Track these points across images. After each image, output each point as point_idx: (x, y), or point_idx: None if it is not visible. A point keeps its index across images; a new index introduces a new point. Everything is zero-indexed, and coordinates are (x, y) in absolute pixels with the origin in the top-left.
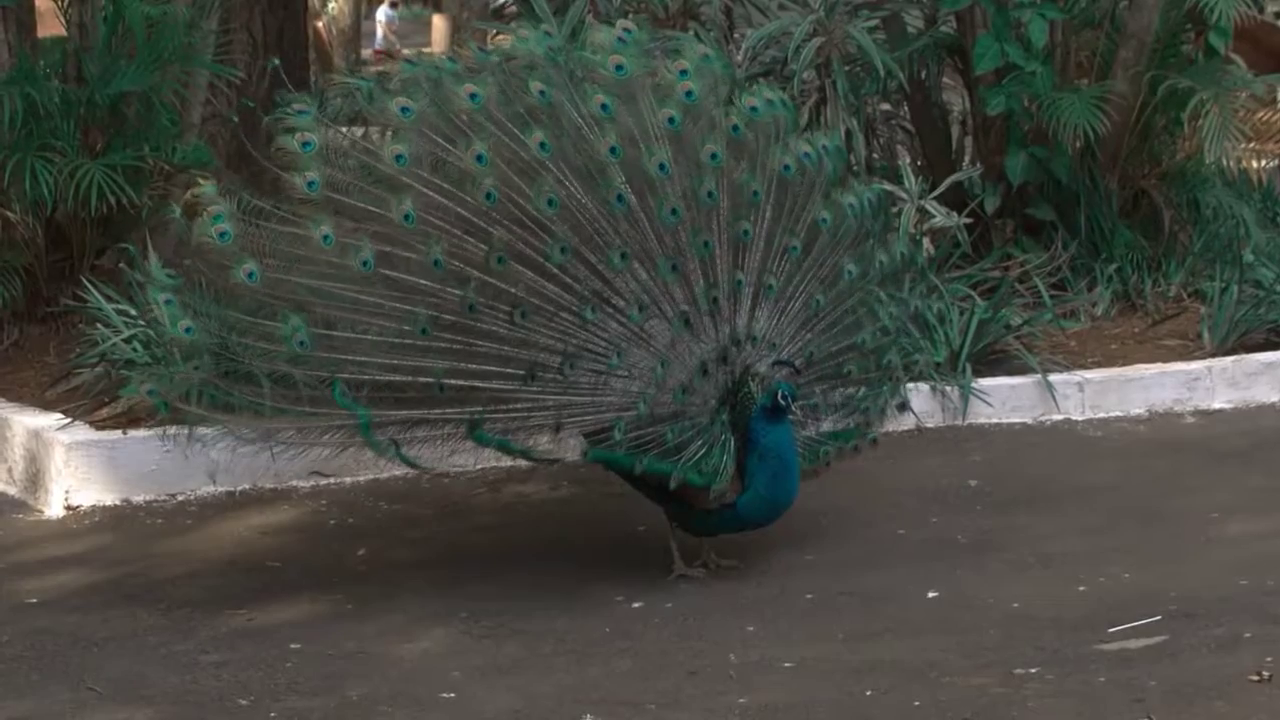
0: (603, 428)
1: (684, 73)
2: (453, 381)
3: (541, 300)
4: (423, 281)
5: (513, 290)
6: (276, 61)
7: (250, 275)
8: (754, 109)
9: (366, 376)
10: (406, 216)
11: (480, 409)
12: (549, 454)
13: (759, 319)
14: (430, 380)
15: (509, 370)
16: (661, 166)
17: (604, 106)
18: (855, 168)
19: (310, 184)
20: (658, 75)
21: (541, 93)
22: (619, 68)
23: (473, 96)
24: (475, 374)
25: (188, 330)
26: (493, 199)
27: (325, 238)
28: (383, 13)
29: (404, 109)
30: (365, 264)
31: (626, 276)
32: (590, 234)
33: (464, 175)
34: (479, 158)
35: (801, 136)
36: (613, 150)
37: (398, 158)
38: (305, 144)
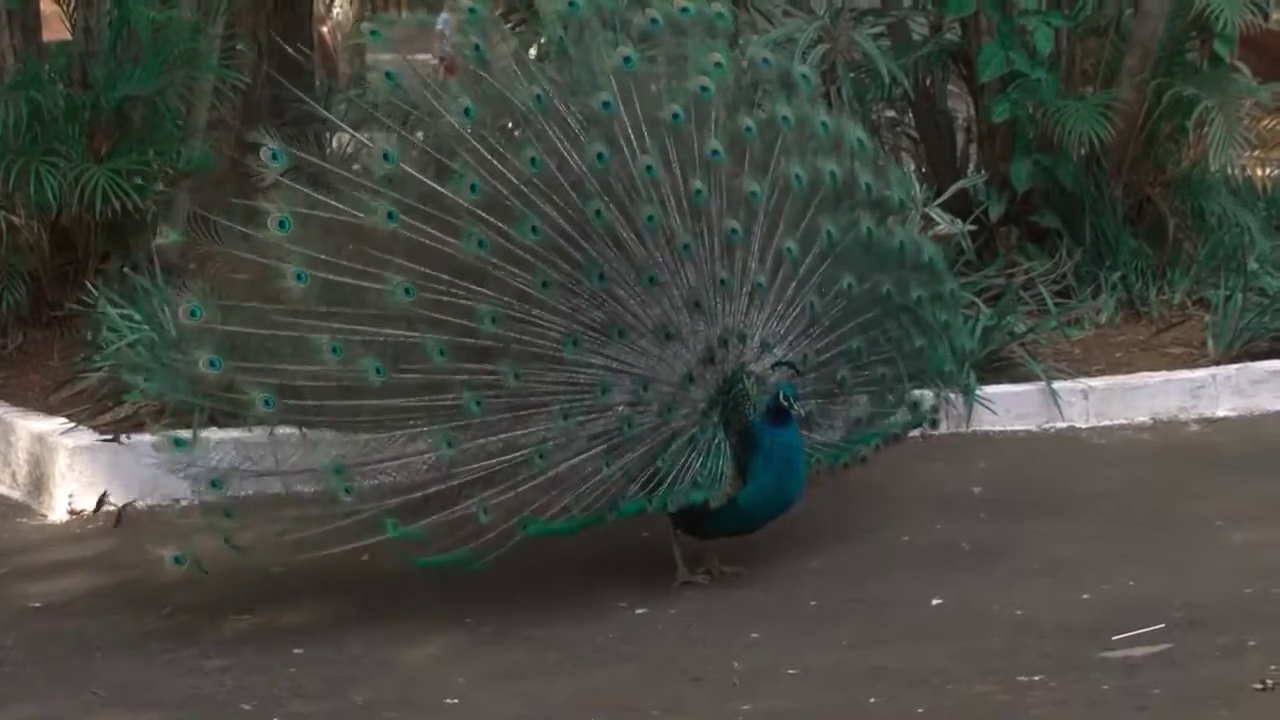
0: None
1: (718, 65)
2: (468, 476)
3: (533, 352)
4: (434, 377)
5: (508, 348)
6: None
7: (266, 403)
8: (785, 119)
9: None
10: (407, 290)
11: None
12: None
13: (748, 317)
14: (464, 486)
15: (519, 458)
16: (648, 169)
17: (605, 105)
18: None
19: (299, 276)
20: (662, 82)
21: (537, 98)
22: (626, 59)
23: (466, 111)
24: (492, 456)
25: (214, 484)
26: (485, 246)
27: (334, 349)
28: (442, 20)
29: (386, 155)
30: (379, 371)
31: (603, 298)
32: (568, 260)
33: (455, 212)
34: (472, 187)
35: (833, 157)
36: (599, 157)
37: (389, 215)
38: (280, 222)
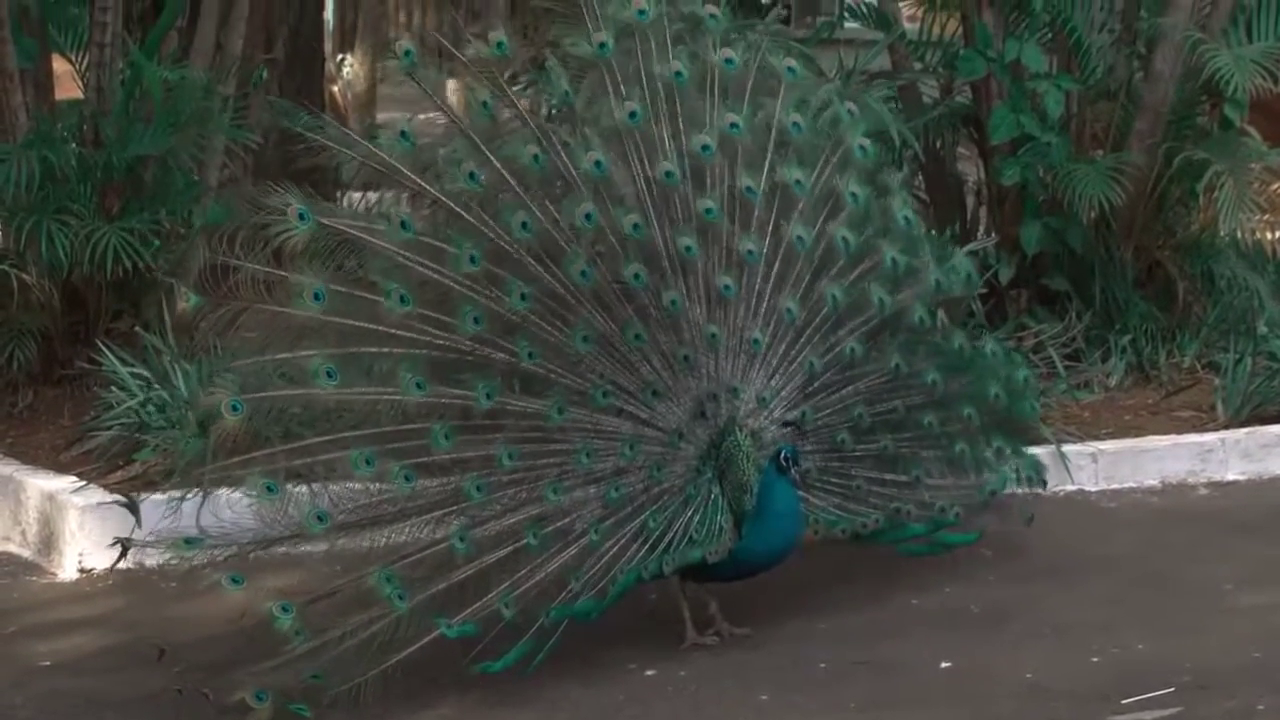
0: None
1: (734, 126)
2: (488, 561)
3: (530, 433)
4: (441, 459)
5: (498, 436)
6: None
7: (320, 518)
8: (798, 183)
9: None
10: (419, 385)
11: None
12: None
13: (742, 373)
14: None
15: (521, 544)
16: (635, 227)
17: (597, 164)
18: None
19: (329, 373)
20: (662, 139)
21: (535, 158)
22: (631, 114)
23: (470, 176)
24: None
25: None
26: (480, 323)
27: (367, 460)
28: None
29: (403, 223)
30: (407, 478)
31: (589, 361)
32: (556, 324)
33: (451, 286)
34: (472, 259)
35: (849, 224)
36: (587, 217)
37: (402, 299)
38: (316, 294)
